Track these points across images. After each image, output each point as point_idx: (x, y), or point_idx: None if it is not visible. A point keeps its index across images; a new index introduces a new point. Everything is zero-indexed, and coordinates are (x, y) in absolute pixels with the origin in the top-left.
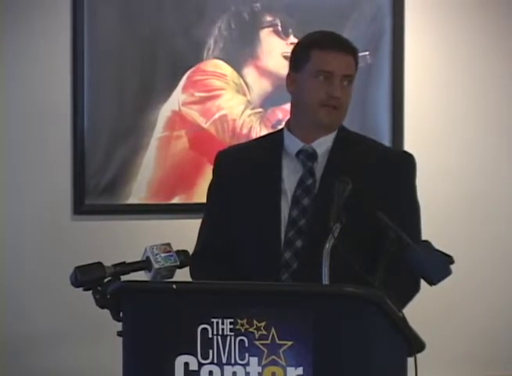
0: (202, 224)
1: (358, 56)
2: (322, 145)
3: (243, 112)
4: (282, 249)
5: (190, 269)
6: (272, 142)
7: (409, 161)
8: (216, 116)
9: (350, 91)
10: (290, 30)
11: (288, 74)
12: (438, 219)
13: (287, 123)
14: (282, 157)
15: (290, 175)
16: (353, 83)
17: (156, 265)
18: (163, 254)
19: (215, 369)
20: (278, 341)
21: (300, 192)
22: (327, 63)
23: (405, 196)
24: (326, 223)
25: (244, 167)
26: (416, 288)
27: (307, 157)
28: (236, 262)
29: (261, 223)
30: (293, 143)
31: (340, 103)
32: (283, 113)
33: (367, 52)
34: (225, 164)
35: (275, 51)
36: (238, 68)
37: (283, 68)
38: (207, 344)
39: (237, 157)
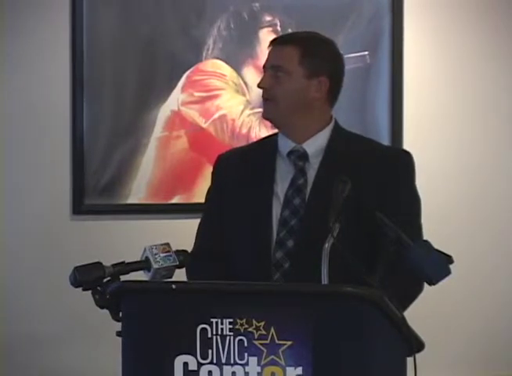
0: (199, 225)
1: (314, 51)
2: (314, 145)
3: (242, 112)
4: (273, 249)
5: (186, 269)
6: (269, 144)
7: (406, 160)
8: (215, 116)
9: (285, 82)
10: (290, 30)
11: None
12: (438, 219)
13: None
14: (276, 159)
15: (282, 176)
16: (295, 75)
17: (155, 265)
18: (162, 254)
19: (214, 369)
20: (277, 341)
21: (291, 192)
22: (266, 59)
23: (404, 194)
24: (317, 223)
25: (241, 169)
26: (418, 288)
27: (298, 157)
28: (229, 262)
29: (254, 224)
30: (285, 144)
31: (269, 94)
32: None
33: (366, 52)
34: (222, 167)
35: None
36: (237, 68)
37: None
38: (207, 344)
39: (235, 159)
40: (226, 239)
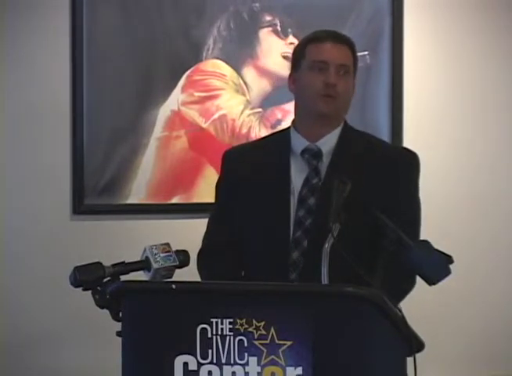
0: (210, 220)
1: (356, 52)
2: (327, 143)
3: (242, 112)
4: (290, 249)
5: (197, 265)
6: (280, 141)
7: (409, 160)
8: (215, 116)
9: (348, 81)
10: (289, 30)
11: (289, 75)
12: (438, 219)
13: (293, 122)
14: (289, 156)
15: (296, 175)
16: (351, 75)
17: (155, 265)
18: (162, 254)
19: (214, 369)
20: (277, 341)
21: (305, 191)
22: (321, 54)
23: (405, 194)
24: (329, 222)
25: (252, 166)
26: (411, 283)
27: (312, 155)
28: (241, 259)
29: (270, 223)
30: (298, 142)
31: (336, 91)
32: (282, 112)
33: (366, 52)
34: (233, 163)
35: (274, 51)
36: (237, 68)
37: (282, 68)
38: (207, 344)
39: (245, 156)
40: (240, 237)
